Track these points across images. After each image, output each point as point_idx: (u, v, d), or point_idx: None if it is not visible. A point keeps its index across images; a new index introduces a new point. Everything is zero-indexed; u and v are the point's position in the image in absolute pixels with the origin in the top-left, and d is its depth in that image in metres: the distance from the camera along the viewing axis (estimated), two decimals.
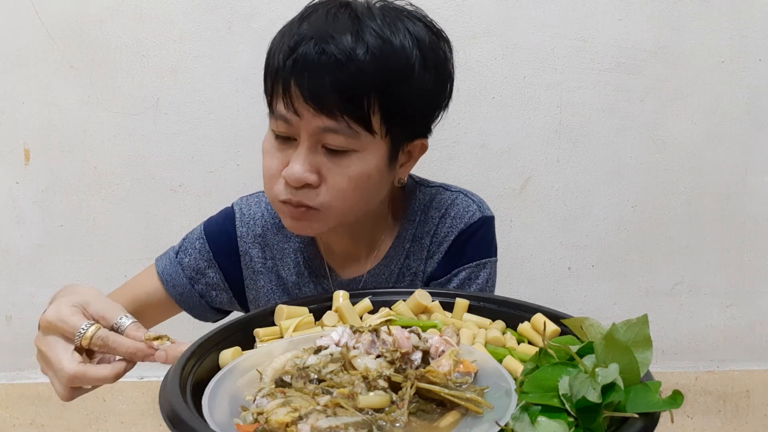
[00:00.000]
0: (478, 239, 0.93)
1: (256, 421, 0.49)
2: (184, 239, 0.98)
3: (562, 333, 0.66)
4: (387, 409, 0.51)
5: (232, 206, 0.98)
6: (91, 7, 1.46)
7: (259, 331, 0.68)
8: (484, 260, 0.93)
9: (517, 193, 1.59)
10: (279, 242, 0.95)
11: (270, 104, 0.80)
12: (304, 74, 0.74)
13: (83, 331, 0.65)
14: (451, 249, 0.92)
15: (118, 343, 0.66)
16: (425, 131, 0.86)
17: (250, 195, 0.99)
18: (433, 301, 0.74)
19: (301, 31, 0.77)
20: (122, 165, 1.53)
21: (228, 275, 0.95)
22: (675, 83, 1.56)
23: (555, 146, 1.57)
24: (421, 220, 0.93)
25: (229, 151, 1.53)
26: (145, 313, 0.91)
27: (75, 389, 0.67)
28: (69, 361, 0.65)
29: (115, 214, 1.55)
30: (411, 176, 0.97)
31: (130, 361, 0.68)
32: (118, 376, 0.67)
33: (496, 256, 0.95)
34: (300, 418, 0.48)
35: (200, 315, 0.97)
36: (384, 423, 0.49)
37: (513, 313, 0.73)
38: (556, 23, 1.51)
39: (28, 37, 1.47)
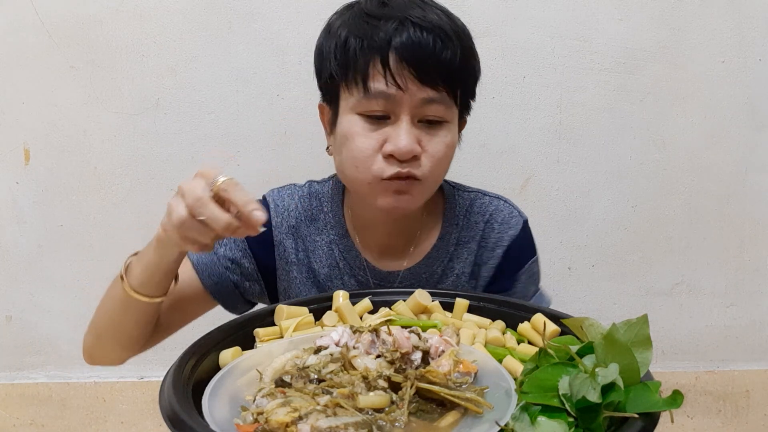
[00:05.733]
0: (528, 242, 1.00)
1: (256, 421, 0.49)
2: None
3: (562, 333, 0.66)
4: (387, 409, 0.51)
5: (264, 197, 0.99)
6: (91, 7, 1.46)
7: (259, 331, 0.68)
8: (535, 257, 0.99)
9: (517, 193, 1.58)
10: (311, 234, 0.96)
11: (362, 85, 0.82)
12: (411, 51, 0.79)
13: (215, 181, 0.67)
14: (508, 255, 0.96)
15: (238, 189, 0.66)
16: (469, 107, 0.92)
17: (281, 188, 1.01)
18: (433, 301, 0.74)
19: (391, 13, 0.82)
20: (122, 165, 1.53)
21: (261, 265, 0.95)
22: (675, 83, 1.55)
23: (555, 146, 1.57)
24: (464, 225, 0.98)
25: (229, 151, 1.53)
26: (179, 306, 0.90)
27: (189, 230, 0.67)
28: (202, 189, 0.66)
29: (115, 214, 1.55)
30: (446, 181, 1.00)
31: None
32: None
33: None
34: (300, 418, 0.48)
35: (232, 306, 0.97)
36: (384, 423, 0.49)
37: (513, 313, 0.73)
38: (556, 23, 1.51)
39: (28, 37, 1.47)
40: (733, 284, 1.67)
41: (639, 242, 1.63)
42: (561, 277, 1.64)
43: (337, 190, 0.98)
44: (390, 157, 0.82)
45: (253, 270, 0.95)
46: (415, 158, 0.82)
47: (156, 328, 0.88)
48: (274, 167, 1.53)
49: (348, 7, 0.88)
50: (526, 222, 1.00)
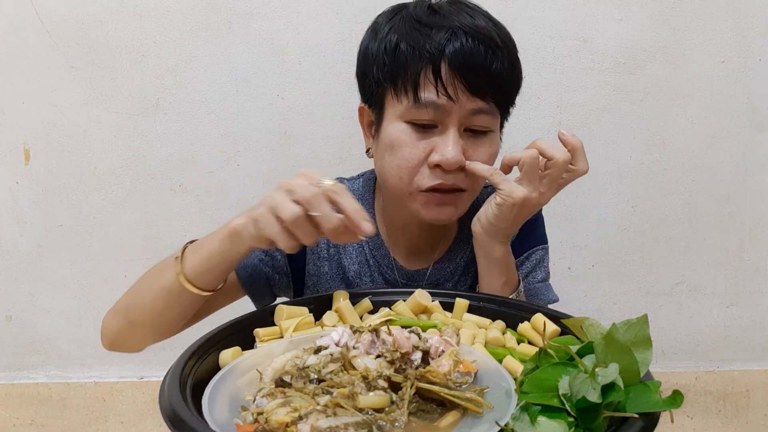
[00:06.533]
0: (540, 224, 1.01)
1: (256, 421, 0.49)
2: None
3: (562, 333, 0.66)
4: (387, 409, 0.51)
5: None
6: (91, 7, 1.46)
7: (259, 331, 0.68)
8: (544, 245, 1.00)
9: None
10: None
11: (412, 93, 0.82)
12: (464, 62, 0.80)
13: (322, 182, 0.67)
14: (521, 232, 0.96)
15: (348, 195, 0.67)
16: (509, 113, 0.93)
17: None
18: (433, 301, 0.74)
19: (442, 21, 0.82)
20: (122, 165, 1.53)
21: (291, 258, 0.95)
22: (675, 83, 1.55)
23: None
24: None
25: (229, 151, 1.53)
26: (212, 296, 0.88)
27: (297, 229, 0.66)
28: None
29: (115, 214, 1.55)
30: None
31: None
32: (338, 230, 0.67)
33: None
34: (300, 418, 0.48)
35: (259, 297, 0.96)
36: (384, 423, 0.49)
37: (513, 313, 0.73)
38: (556, 23, 1.51)
39: (28, 37, 1.47)
40: (733, 284, 1.67)
41: (639, 242, 1.63)
42: (561, 277, 1.64)
43: (367, 189, 0.98)
44: (436, 167, 0.82)
45: (283, 263, 0.95)
46: (460, 169, 0.83)
47: None
48: (274, 167, 1.53)
49: (395, 11, 0.88)
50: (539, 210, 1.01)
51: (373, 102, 0.88)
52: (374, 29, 0.88)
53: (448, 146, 0.81)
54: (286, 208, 0.65)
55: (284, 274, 0.96)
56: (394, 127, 0.84)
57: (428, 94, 0.81)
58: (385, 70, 0.83)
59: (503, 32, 0.85)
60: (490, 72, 0.81)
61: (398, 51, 0.82)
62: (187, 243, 0.79)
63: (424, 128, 0.83)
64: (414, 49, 0.81)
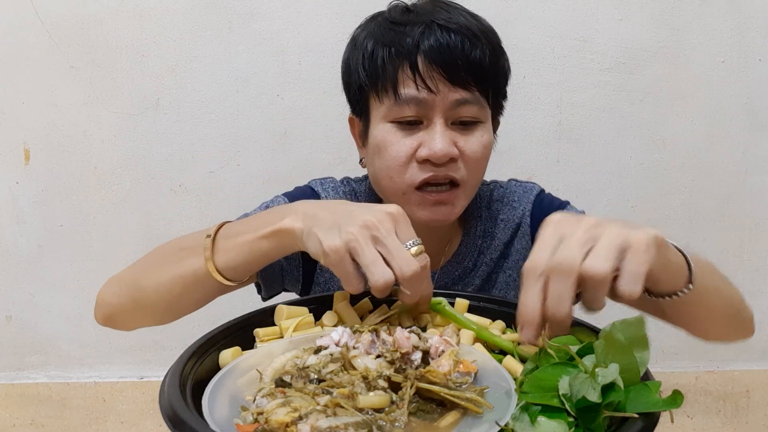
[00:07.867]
0: (552, 198, 0.98)
1: (256, 421, 0.49)
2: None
3: None
4: (387, 409, 0.51)
5: (311, 188, 0.97)
6: (91, 7, 1.46)
7: (259, 331, 0.68)
8: (568, 203, 0.97)
9: None
10: None
11: (393, 92, 0.81)
12: (440, 53, 0.79)
13: (411, 245, 0.61)
14: (539, 213, 0.94)
15: (424, 281, 0.62)
16: (502, 107, 0.91)
17: (323, 179, 0.99)
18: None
19: (416, 18, 0.81)
20: (122, 165, 1.53)
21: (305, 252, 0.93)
22: (675, 83, 1.55)
23: (555, 146, 1.57)
24: (487, 216, 0.98)
25: (229, 151, 1.53)
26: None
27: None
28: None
29: (115, 214, 1.55)
30: None
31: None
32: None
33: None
34: (300, 418, 0.48)
35: (269, 288, 0.93)
36: (384, 423, 0.49)
37: (513, 313, 0.73)
38: (556, 23, 1.51)
39: (28, 37, 1.47)
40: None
41: None
42: None
43: (373, 191, 0.97)
44: (425, 162, 0.81)
45: (298, 256, 0.92)
46: (452, 161, 0.81)
47: None
48: (274, 167, 1.53)
49: (372, 19, 0.88)
50: (542, 188, 1.00)
51: (359, 110, 0.88)
52: (353, 41, 0.88)
53: (434, 139, 0.80)
54: (378, 270, 0.59)
55: (296, 267, 0.94)
56: (380, 129, 0.83)
57: (408, 90, 0.80)
58: (365, 75, 0.83)
59: (483, 24, 0.84)
60: (469, 61, 0.80)
61: (375, 54, 0.82)
62: (221, 224, 0.73)
63: (410, 125, 0.82)
64: (390, 49, 0.81)
